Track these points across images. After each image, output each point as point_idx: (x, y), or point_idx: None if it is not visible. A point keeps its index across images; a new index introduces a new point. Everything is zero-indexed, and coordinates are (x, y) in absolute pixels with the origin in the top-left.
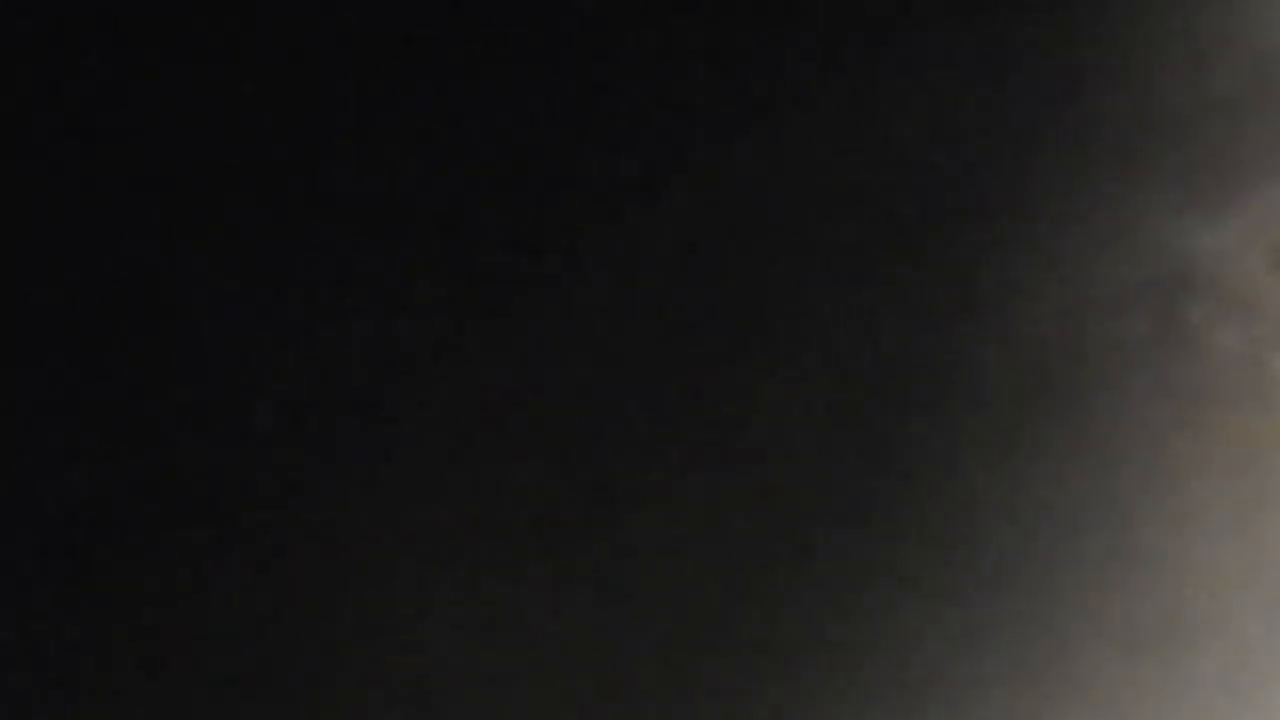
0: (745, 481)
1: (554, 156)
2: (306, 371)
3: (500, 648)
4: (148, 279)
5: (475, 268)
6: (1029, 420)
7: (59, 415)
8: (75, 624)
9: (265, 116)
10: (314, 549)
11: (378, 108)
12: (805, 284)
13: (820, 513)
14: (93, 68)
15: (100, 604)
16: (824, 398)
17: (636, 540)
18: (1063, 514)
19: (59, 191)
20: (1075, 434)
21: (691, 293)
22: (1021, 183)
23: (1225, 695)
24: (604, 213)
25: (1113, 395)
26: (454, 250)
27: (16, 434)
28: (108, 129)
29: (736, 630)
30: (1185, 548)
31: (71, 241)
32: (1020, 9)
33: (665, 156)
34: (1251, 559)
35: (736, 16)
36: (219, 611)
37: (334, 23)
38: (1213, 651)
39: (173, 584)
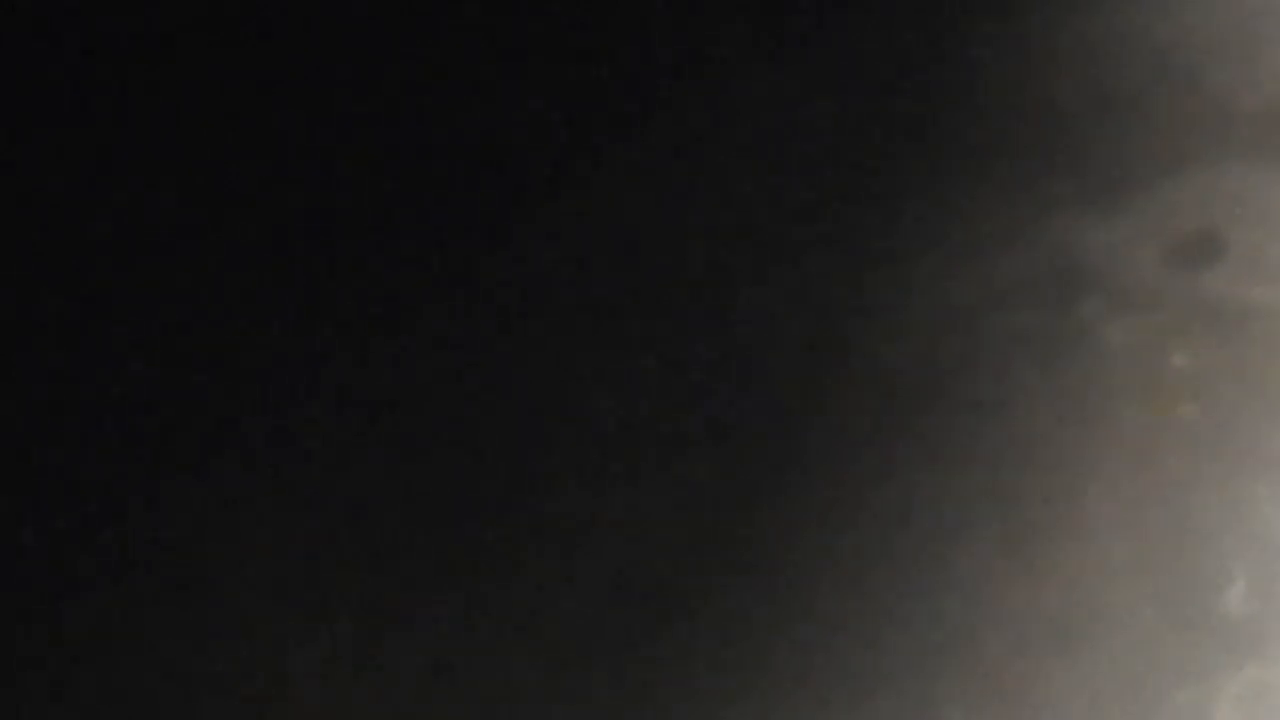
0: (642, 484)
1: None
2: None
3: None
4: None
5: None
6: (921, 413)
7: None
8: None
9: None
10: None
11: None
12: (711, 271)
13: (716, 504)
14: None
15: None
16: (719, 393)
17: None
18: (954, 509)
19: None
20: (967, 428)
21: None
22: (915, 177)
23: (1119, 686)
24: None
25: (1005, 389)
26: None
27: None
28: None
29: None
30: (1078, 542)
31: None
32: (918, 9)
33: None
34: (1143, 553)
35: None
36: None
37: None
38: (1106, 644)
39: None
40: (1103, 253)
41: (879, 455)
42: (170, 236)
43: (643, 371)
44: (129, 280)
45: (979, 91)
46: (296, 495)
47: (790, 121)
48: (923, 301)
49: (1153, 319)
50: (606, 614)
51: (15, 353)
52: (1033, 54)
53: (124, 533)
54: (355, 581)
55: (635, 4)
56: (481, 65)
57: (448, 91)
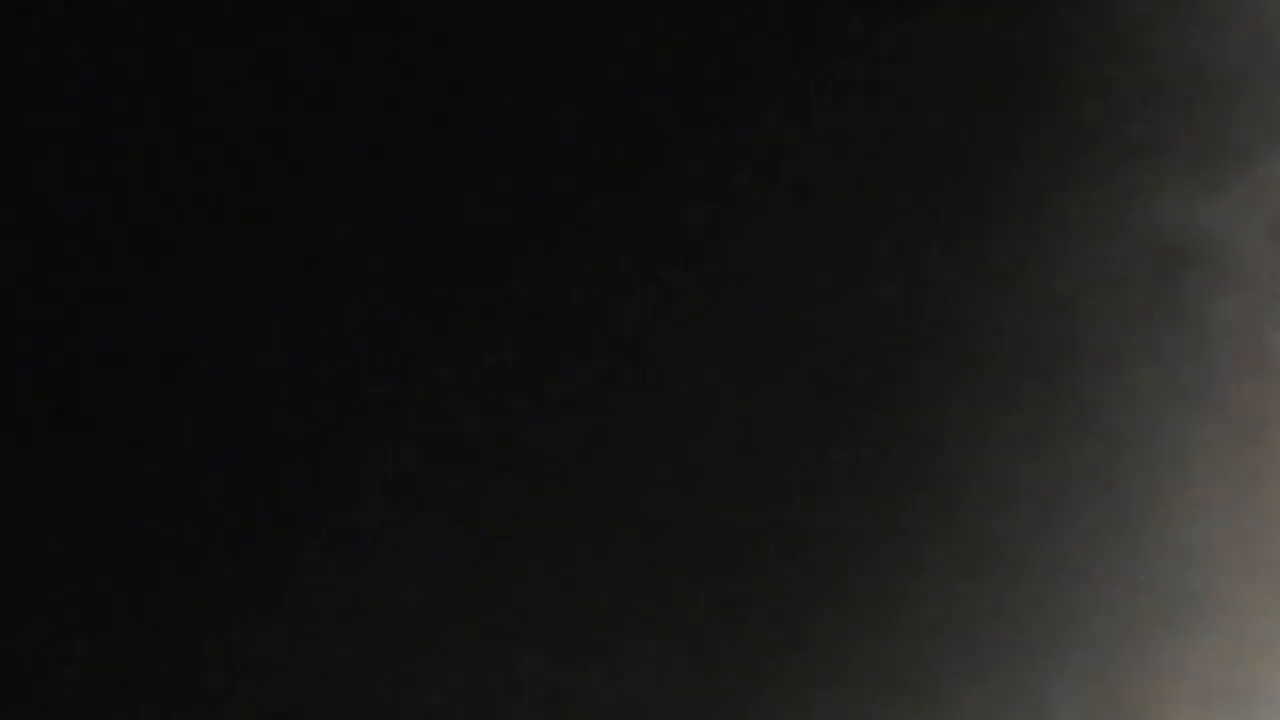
0: (732, 456)
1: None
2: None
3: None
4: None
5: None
6: (1026, 397)
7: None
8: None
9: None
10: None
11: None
12: (808, 265)
13: (808, 486)
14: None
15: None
16: (819, 373)
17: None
18: (1059, 491)
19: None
20: (1073, 410)
21: (679, 274)
22: (1018, 159)
23: (1224, 668)
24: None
25: (1110, 369)
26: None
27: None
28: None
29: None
30: (1184, 524)
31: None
32: None
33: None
34: (1249, 532)
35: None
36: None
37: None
38: (1212, 626)
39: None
40: (1204, 231)
41: (981, 439)
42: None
43: (758, 367)
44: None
45: (1075, 71)
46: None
47: (875, 111)
48: (1023, 286)
49: (1256, 296)
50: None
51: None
52: (1130, 30)
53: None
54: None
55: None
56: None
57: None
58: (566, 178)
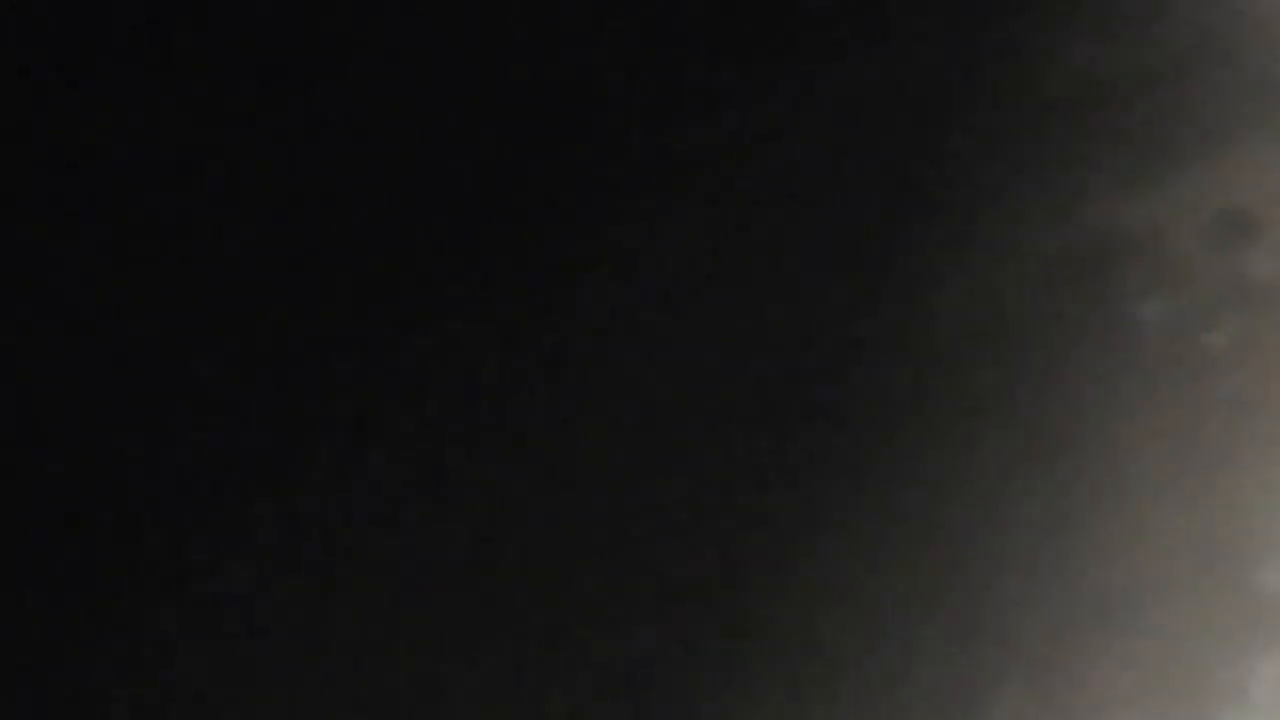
0: (647, 478)
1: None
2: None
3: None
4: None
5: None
6: (958, 392)
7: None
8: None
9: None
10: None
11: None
12: (744, 270)
13: (749, 486)
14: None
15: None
16: (761, 376)
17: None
18: (993, 486)
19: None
20: (1008, 408)
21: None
22: (947, 156)
23: (1162, 663)
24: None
25: (1043, 368)
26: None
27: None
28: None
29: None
30: (1117, 519)
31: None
32: None
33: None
34: (1183, 530)
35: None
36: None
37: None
38: (1148, 622)
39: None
40: (1140, 230)
41: (920, 437)
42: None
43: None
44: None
45: (1013, 69)
46: None
47: (815, 113)
48: (959, 284)
49: (1191, 296)
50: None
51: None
52: (1069, 29)
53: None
54: None
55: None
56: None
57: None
58: (504, 180)
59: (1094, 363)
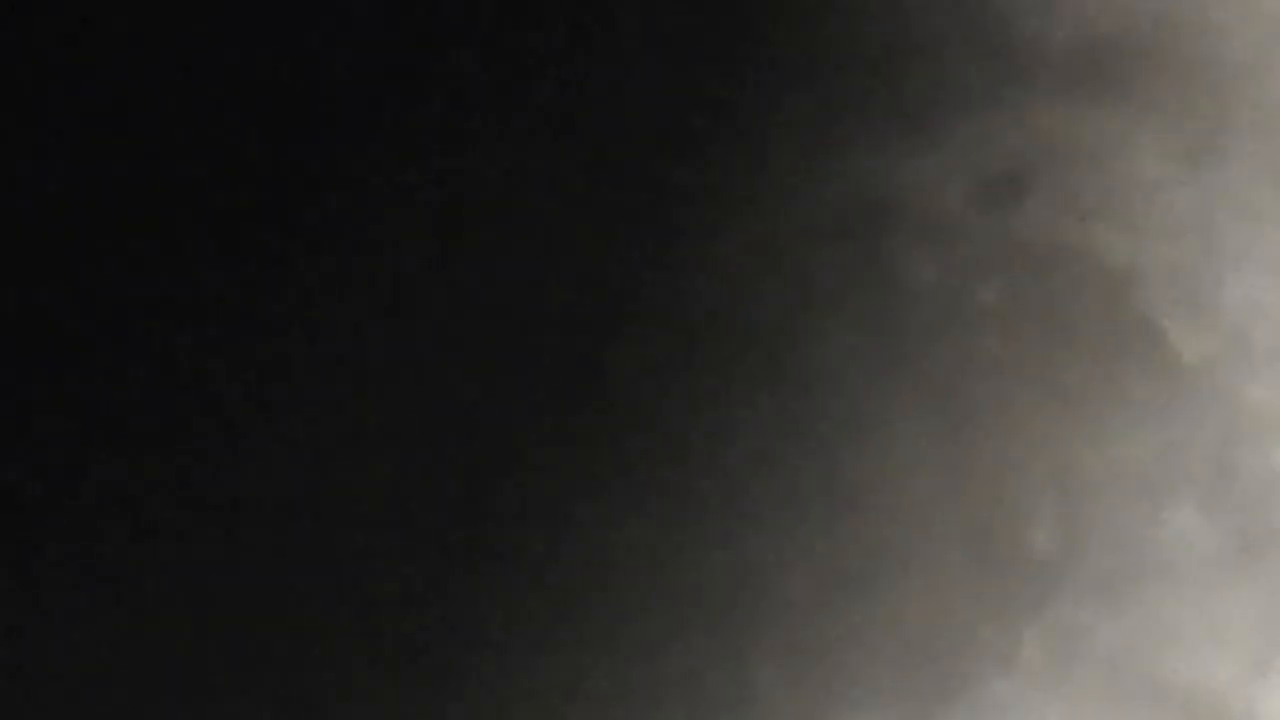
0: (435, 418)
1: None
2: None
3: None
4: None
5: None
6: (722, 351)
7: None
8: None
9: None
10: None
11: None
12: (499, 214)
13: (516, 443)
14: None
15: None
16: (527, 340)
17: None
18: (753, 444)
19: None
20: (770, 364)
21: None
22: (716, 115)
23: (927, 624)
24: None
25: (809, 324)
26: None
27: None
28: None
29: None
30: (883, 478)
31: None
32: None
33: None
34: (950, 489)
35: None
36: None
37: None
38: (914, 582)
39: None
40: (909, 190)
41: (683, 399)
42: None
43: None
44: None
45: (783, 26)
46: None
47: (585, 65)
48: (734, 237)
49: (959, 255)
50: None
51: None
52: None
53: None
54: None
55: None
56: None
57: None
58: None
59: (864, 318)
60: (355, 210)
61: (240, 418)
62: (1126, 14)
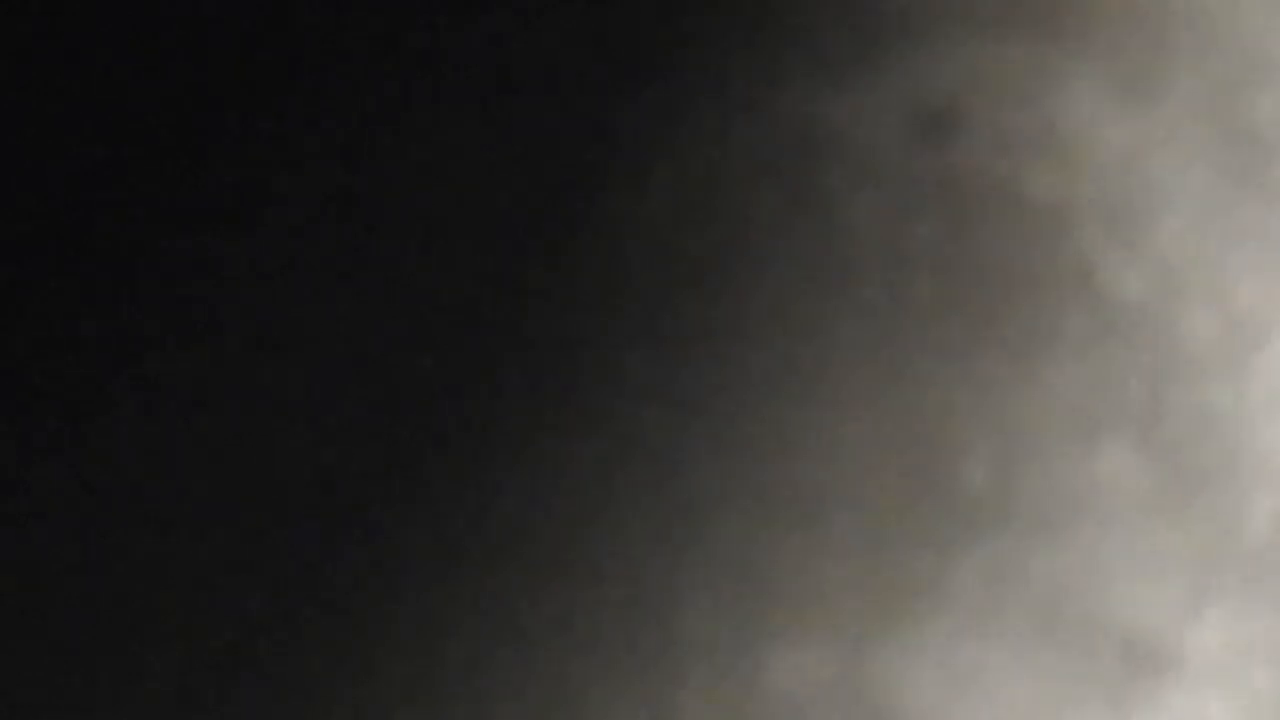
0: (372, 343)
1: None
2: None
3: None
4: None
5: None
6: (654, 290)
7: None
8: None
9: None
10: None
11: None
12: (422, 149)
13: (445, 381)
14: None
15: None
16: (449, 269)
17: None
18: (696, 386)
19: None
20: (704, 301)
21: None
22: (651, 53)
23: (861, 559)
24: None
25: (744, 263)
26: None
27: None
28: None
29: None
30: (817, 414)
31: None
32: None
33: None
34: (884, 427)
35: None
36: None
37: None
38: (848, 518)
39: None
40: (845, 123)
41: (615, 331)
42: None
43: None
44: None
45: None
46: None
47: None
48: (668, 172)
49: (893, 192)
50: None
51: None
52: None
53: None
54: None
55: None
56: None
57: None
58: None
59: (799, 254)
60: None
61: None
62: None
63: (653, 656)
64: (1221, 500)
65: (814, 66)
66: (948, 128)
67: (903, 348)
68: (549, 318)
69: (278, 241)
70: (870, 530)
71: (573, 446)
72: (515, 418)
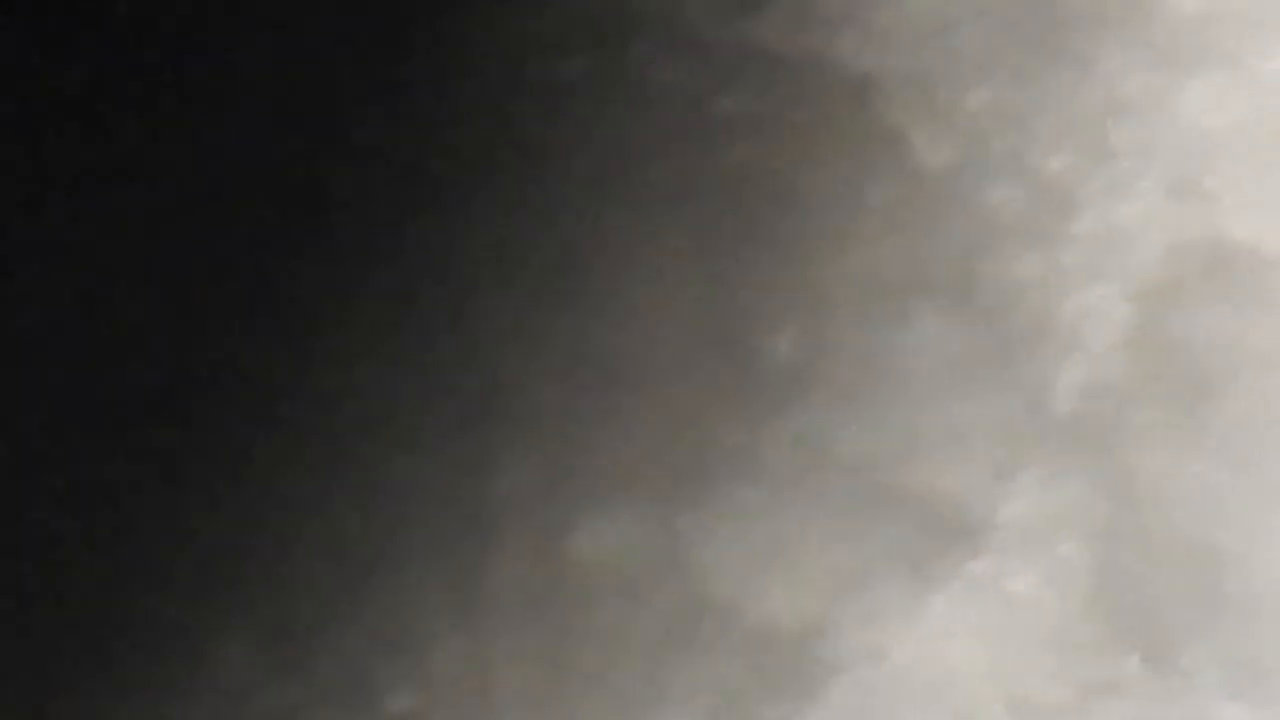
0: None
1: None
2: None
3: None
4: None
5: None
6: (460, 161)
7: None
8: None
9: None
10: None
11: None
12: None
13: (239, 282)
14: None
15: None
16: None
17: None
18: (503, 260)
19: None
20: (507, 174)
21: None
22: None
23: (673, 429)
24: None
25: (551, 134)
26: None
27: None
28: None
29: None
30: (630, 290)
31: None
32: None
33: None
34: (694, 298)
35: None
36: None
37: None
38: (659, 389)
39: None
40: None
41: (406, 209)
42: None
43: None
44: None
45: None
46: None
47: None
48: (465, 49)
49: (702, 63)
50: None
51: None
52: None
53: None
54: None
55: None
56: None
57: None
58: None
59: (609, 125)
60: None
61: None
62: None
63: (467, 519)
64: (1030, 370)
65: None
66: (753, 5)
67: (712, 218)
68: (342, 210)
69: None
70: (680, 399)
71: (377, 331)
72: (311, 311)
